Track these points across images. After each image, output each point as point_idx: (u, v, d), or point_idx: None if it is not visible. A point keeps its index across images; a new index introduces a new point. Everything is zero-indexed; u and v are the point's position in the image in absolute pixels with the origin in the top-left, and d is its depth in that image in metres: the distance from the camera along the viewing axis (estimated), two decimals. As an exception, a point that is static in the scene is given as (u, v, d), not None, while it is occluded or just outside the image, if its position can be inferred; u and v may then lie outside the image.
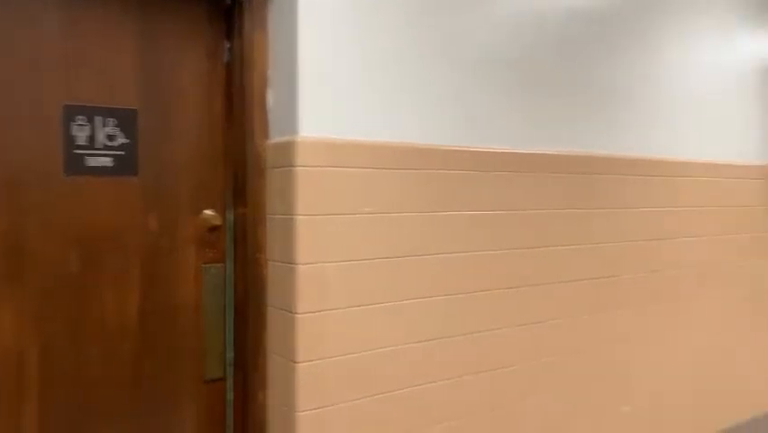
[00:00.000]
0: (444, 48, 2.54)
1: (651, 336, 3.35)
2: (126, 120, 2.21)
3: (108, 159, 2.18)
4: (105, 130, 2.17)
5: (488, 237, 2.66)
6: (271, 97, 2.34)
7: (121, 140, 2.20)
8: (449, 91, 2.56)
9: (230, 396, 2.42)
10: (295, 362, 2.17)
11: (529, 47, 2.81)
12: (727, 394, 3.81)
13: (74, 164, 2.13)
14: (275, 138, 2.31)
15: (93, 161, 2.16)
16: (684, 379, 3.55)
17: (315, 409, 2.20)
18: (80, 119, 2.13)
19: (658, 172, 3.34)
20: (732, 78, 3.82)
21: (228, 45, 2.38)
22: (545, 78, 2.88)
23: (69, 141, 2.12)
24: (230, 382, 2.42)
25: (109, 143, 2.18)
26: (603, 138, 3.12)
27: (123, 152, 2.21)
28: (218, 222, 2.37)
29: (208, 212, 2.35)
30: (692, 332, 3.58)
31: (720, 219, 3.71)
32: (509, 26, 2.74)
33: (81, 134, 2.13)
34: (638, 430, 3.31)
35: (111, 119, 2.18)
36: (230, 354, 2.41)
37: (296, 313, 2.17)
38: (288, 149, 2.20)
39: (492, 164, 2.68)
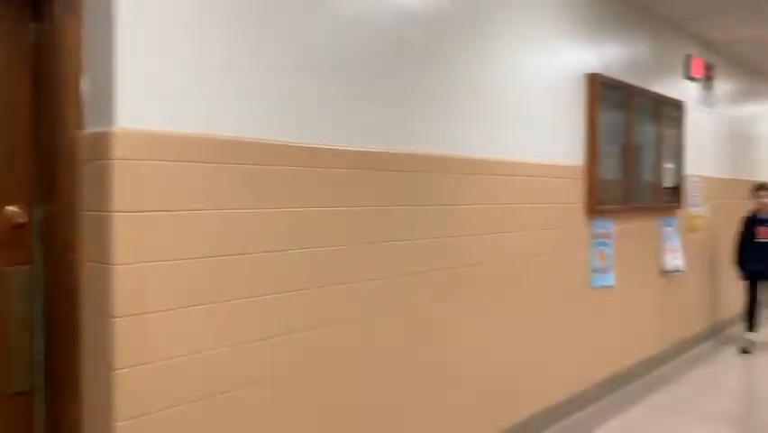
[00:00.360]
0: (280, 43, 2.49)
1: (474, 326, 3.53)
2: None
3: None
4: None
5: (319, 234, 2.65)
6: (86, 85, 2.16)
7: None
8: (284, 87, 2.51)
9: (39, 409, 2.21)
10: (112, 369, 2.03)
11: (366, 47, 2.84)
12: (540, 378, 4.13)
13: None
14: (90, 128, 2.14)
15: None
16: (504, 364, 3.79)
17: (134, 418, 2.07)
18: None
19: (483, 171, 3.52)
20: (552, 86, 4.13)
21: (34, 26, 2.17)
22: (381, 78, 2.93)
23: None
24: (39, 395, 2.21)
25: None
26: (436, 138, 3.24)
27: None
28: (23, 219, 2.15)
29: (11, 208, 2.13)
30: (509, 322, 3.83)
31: (537, 215, 3.99)
32: (346, 27, 2.75)
33: None
34: (466, 415, 3.48)
35: None
36: (39, 365, 2.20)
37: (112, 317, 2.02)
38: (103, 140, 2.04)
39: (326, 161, 2.68)
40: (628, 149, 4.93)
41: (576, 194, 4.37)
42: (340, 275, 2.75)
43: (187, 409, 2.21)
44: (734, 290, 6.61)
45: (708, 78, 6.36)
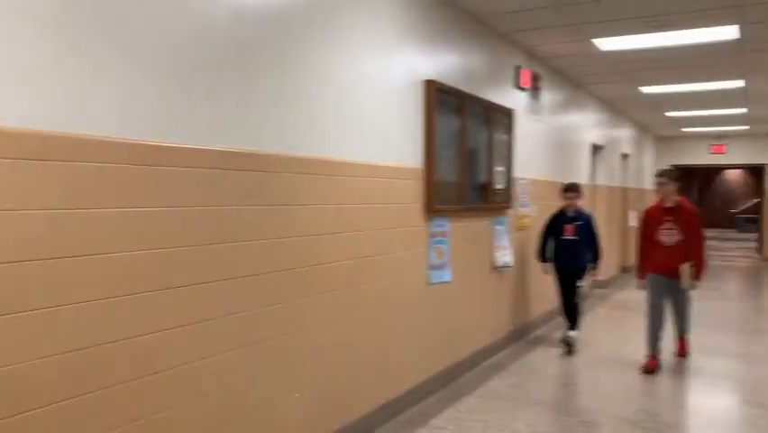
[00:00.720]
0: (99, 35, 2.34)
1: (315, 327, 3.56)
2: None
3: None
4: None
5: (141, 236, 2.53)
6: None
7: None
8: (116, 85, 2.37)
9: None
10: None
11: (201, 45, 2.75)
12: (381, 374, 4.25)
13: None
14: None
15: None
16: (344, 363, 3.85)
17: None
18: None
19: (324, 171, 3.55)
20: (392, 91, 4.25)
21: None
22: (218, 77, 2.85)
23: None
24: None
25: None
26: (273, 137, 3.21)
27: None
28: None
29: None
30: (350, 321, 3.90)
31: (378, 215, 4.10)
32: (181, 24, 2.64)
33: None
34: (309, 413, 3.49)
35: None
36: None
37: None
38: None
39: (159, 159, 2.56)
40: (463, 152, 5.20)
41: (415, 195, 4.54)
42: (170, 279, 2.64)
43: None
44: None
45: (534, 89, 6.88)
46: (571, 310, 6.39)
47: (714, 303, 9.21)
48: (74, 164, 2.26)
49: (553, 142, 7.73)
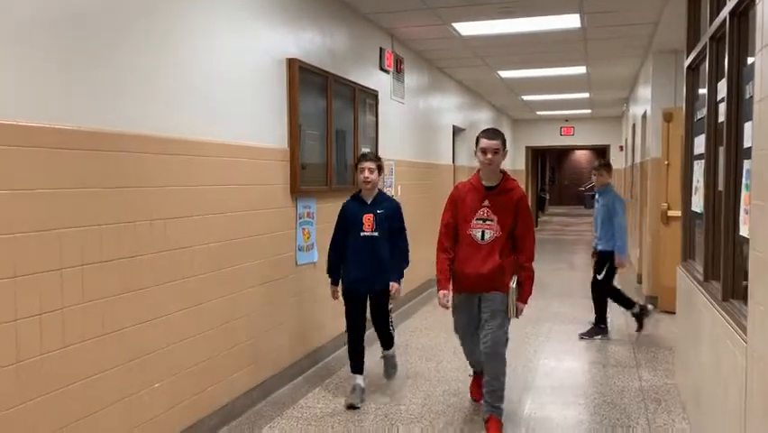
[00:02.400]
0: None
1: (176, 313, 3.44)
2: None
3: None
4: None
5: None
6: None
7: None
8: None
9: None
10: None
11: (49, 16, 2.53)
12: (250, 359, 4.20)
13: None
14: None
15: None
16: (210, 350, 3.76)
17: None
18: None
19: (182, 152, 3.42)
20: (254, 69, 4.16)
21: None
22: (66, 47, 2.64)
23: None
24: None
25: None
26: (126, 117, 3.04)
27: None
28: None
29: None
30: (214, 306, 3.81)
31: (243, 197, 4.02)
32: (9, -18, 2.41)
33: None
34: (168, 403, 3.38)
35: None
36: None
37: None
38: None
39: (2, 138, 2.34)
40: (329, 133, 5.21)
41: (281, 176, 4.49)
42: (46, 262, 2.44)
43: None
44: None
45: (398, 71, 7.01)
46: (359, 351, 4.34)
47: (564, 273, 9.96)
48: None
49: (417, 124, 7.94)
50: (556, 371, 5.12)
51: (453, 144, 10.14)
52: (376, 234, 4.17)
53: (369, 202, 4.23)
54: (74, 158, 2.72)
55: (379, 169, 4.24)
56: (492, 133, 3.75)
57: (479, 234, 3.70)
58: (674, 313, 4.97)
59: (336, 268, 4.30)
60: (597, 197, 6.16)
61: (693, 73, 4.49)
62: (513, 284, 3.69)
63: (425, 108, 8.37)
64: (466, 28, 6.59)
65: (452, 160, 9.94)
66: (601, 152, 18.15)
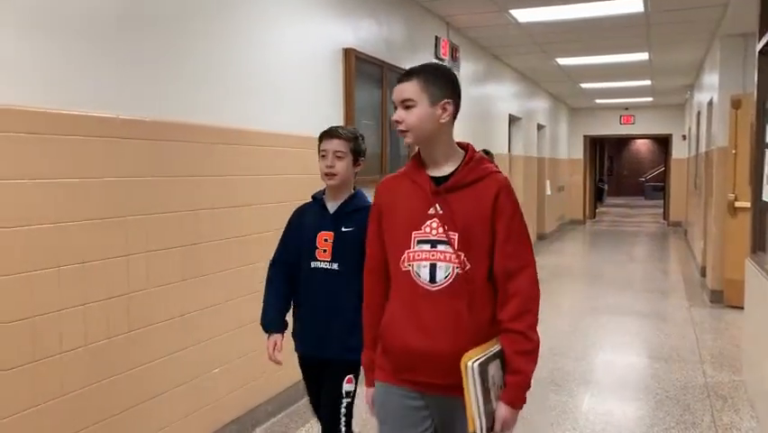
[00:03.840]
0: (22, 7, 2.18)
1: (230, 300, 3.51)
2: None
3: None
4: None
5: (59, 208, 2.41)
6: None
7: None
8: (23, 50, 2.21)
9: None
10: None
11: (118, 12, 2.61)
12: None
13: None
14: None
15: None
16: (259, 334, 3.82)
17: None
18: None
19: (242, 141, 3.47)
20: (311, 60, 4.18)
21: None
22: (129, 42, 2.71)
23: None
24: None
25: None
26: (184, 107, 3.10)
27: None
28: None
29: None
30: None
31: (298, 187, 4.04)
32: (77, -23, 2.49)
33: None
34: (232, 386, 3.45)
35: None
36: None
37: None
38: None
39: (66, 128, 2.43)
40: (384, 123, 5.21)
41: (336, 165, 4.50)
42: (82, 253, 2.53)
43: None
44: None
45: (454, 60, 6.94)
46: None
47: (623, 265, 9.71)
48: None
49: (472, 113, 7.85)
50: (615, 365, 5.00)
51: (510, 134, 10.00)
52: (335, 266, 2.41)
53: (332, 211, 2.48)
54: (140, 148, 2.80)
55: (355, 154, 2.48)
56: (406, 74, 1.85)
57: (424, 272, 1.81)
58: (739, 307, 4.79)
59: (273, 306, 2.61)
60: None
61: (765, 58, 4.28)
62: (477, 360, 1.72)
63: (481, 97, 8.27)
64: (524, 14, 6.47)
65: (507, 149, 9.81)
66: (663, 142, 17.60)
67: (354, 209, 2.45)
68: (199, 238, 3.17)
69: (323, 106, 4.36)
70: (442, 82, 1.82)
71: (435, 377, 1.82)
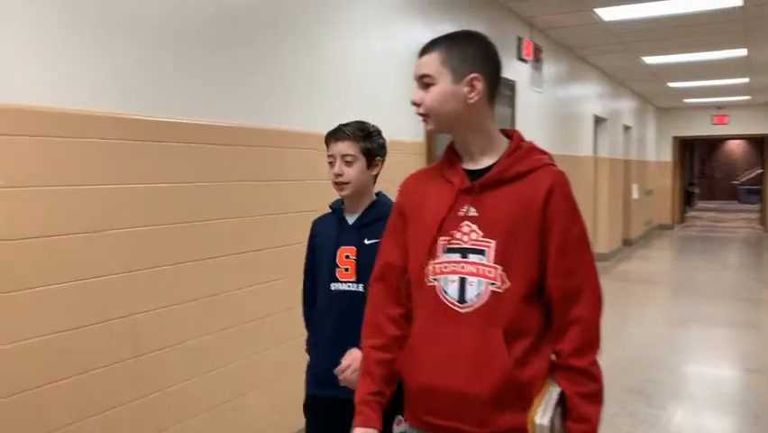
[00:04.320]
0: (95, 11, 2.31)
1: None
2: None
3: None
4: None
5: (143, 212, 2.52)
6: None
7: None
8: (113, 59, 2.34)
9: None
10: None
11: (193, 19, 2.72)
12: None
13: None
14: None
15: None
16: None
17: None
18: None
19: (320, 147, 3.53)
20: (392, 63, 4.20)
21: None
22: (210, 51, 2.82)
23: None
24: None
25: None
26: (272, 113, 3.19)
27: None
28: None
29: None
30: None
31: (382, 189, 4.08)
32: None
33: None
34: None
35: None
36: None
37: None
38: None
39: (157, 134, 2.54)
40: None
41: (418, 166, 4.51)
42: (173, 255, 2.64)
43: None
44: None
45: (537, 60, 6.82)
46: None
47: (717, 273, 9.24)
48: (79, 141, 2.25)
49: (556, 115, 7.68)
50: (709, 377, 4.76)
51: (595, 135, 9.72)
52: (360, 287, 2.02)
53: (351, 222, 2.13)
54: (228, 154, 2.90)
55: (369, 155, 2.13)
56: (428, 45, 1.53)
57: (452, 289, 1.46)
58: None
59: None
60: None
61: None
62: (545, 414, 1.40)
63: (565, 98, 8.08)
64: (609, 13, 6.28)
65: (592, 151, 9.53)
66: (759, 143, 16.66)
67: (377, 218, 2.01)
68: (283, 241, 3.24)
69: (404, 110, 4.36)
70: (469, 52, 1.46)
71: (464, 423, 1.43)
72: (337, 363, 1.98)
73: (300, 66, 3.35)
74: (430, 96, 1.47)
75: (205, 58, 2.78)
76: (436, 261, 1.46)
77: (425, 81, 1.48)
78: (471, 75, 1.44)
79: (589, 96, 9.36)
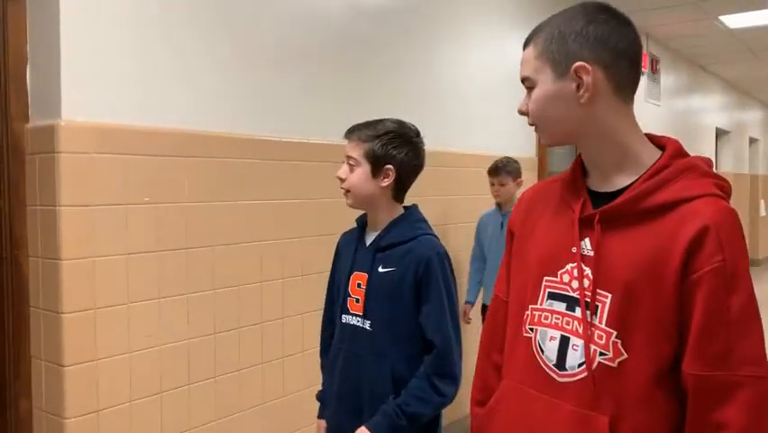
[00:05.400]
0: (221, 36, 2.48)
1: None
2: None
3: None
4: None
5: (273, 227, 2.66)
6: (31, 77, 2.12)
7: None
8: (227, 79, 2.50)
9: (-13, 408, 2.16)
10: (62, 366, 2.00)
11: (315, 41, 2.85)
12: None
13: None
14: (35, 122, 2.10)
15: None
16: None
17: (84, 415, 2.05)
18: None
19: (435, 163, 3.57)
20: (503, 79, 4.19)
21: (-24, 16, 2.10)
22: (332, 71, 2.94)
23: None
24: (-13, 393, 2.16)
25: None
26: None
27: None
28: (-34, 215, 2.09)
29: (-45, 204, 2.07)
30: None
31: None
32: (296, 21, 2.75)
33: None
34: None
35: None
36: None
37: (61, 313, 1.99)
38: (49, 133, 2.00)
39: (277, 153, 2.68)
40: (578, 140, 5.05)
41: (529, 185, 4.46)
42: (291, 269, 2.76)
43: (138, 406, 2.20)
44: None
45: (653, 72, 6.55)
46: None
47: None
48: (215, 160, 2.42)
49: (674, 128, 7.33)
50: None
51: (716, 148, 9.18)
52: (366, 324, 1.73)
53: (368, 242, 1.83)
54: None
55: (376, 162, 1.78)
56: (529, 35, 1.24)
57: (550, 348, 1.11)
58: None
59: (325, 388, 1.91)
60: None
61: None
62: None
63: (684, 110, 7.70)
64: (735, 20, 5.94)
65: (714, 166, 8.99)
66: None
67: (399, 242, 1.72)
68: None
69: (515, 125, 4.34)
70: (572, 34, 1.08)
71: None
72: (334, 404, 1.75)
73: (416, 82, 3.42)
74: (532, 103, 1.15)
75: (323, 79, 2.90)
76: (536, 306, 1.12)
77: (526, 85, 1.18)
78: (576, 64, 1.06)
79: (711, 108, 8.86)
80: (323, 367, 1.91)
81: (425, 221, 1.80)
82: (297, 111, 2.78)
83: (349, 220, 2.97)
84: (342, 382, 1.74)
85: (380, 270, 1.71)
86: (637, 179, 1.07)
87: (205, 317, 2.41)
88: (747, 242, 1.16)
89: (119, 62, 2.14)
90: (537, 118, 1.15)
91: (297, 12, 2.76)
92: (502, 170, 3.57)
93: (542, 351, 1.10)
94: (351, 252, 1.81)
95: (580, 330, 1.04)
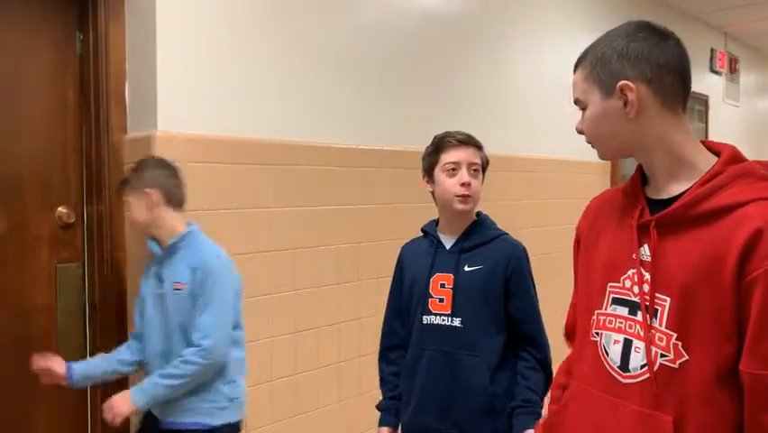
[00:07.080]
0: (303, 48, 2.60)
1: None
2: (-35, 112, 2.05)
3: (-55, 153, 2.03)
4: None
5: (350, 231, 2.75)
6: (129, 91, 2.28)
7: (-41, 133, 2.05)
8: (308, 89, 2.61)
9: (92, 396, 2.33)
10: (157, 359, 2.14)
11: (386, 50, 2.94)
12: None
13: None
14: (133, 133, 2.26)
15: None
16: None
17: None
18: None
19: (508, 168, 3.59)
20: (569, 82, 4.17)
21: (80, 36, 2.29)
22: (403, 78, 3.02)
23: None
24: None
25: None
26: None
27: (-39, 147, 2.05)
28: (72, 219, 2.27)
29: (62, 209, 2.25)
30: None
31: (569, 209, 4.05)
32: (367, 29, 2.85)
33: None
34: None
35: (-53, 111, 2.02)
36: (90, 354, 2.32)
37: (158, 311, 2.13)
38: (146, 143, 2.16)
39: (353, 160, 2.78)
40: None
41: (603, 187, 4.41)
42: (371, 271, 2.84)
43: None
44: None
45: (732, 72, 6.34)
46: None
47: None
48: (299, 167, 2.56)
49: (755, 129, 7.06)
50: None
51: (801, 150, 8.76)
52: (456, 321, 1.78)
53: (449, 246, 1.88)
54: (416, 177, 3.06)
55: (484, 168, 1.97)
56: (578, 59, 1.28)
57: (615, 352, 1.16)
58: None
59: (389, 382, 1.93)
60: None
61: None
62: None
63: (765, 110, 7.40)
64: (821, 15, 5.69)
65: (799, 168, 8.58)
66: None
67: (481, 243, 1.83)
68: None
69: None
70: (614, 54, 1.14)
71: None
72: (427, 403, 1.75)
73: (490, 87, 3.46)
74: (585, 122, 1.21)
75: (397, 88, 2.98)
76: (601, 311, 1.19)
77: (579, 106, 1.24)
78: (620, 83, 1.12)
79: (796, 108, 8.47)
80: (387, 375, 1.92)
81: (494, 224, 1.92)
82: (371, 120, 2.87)
83: (416, 225, 3.03)
84: (429, 381, 1.76)
85: (467, 269, 1.79)
86: (692, 186, 1.10)
87: (285, 320, 2.53)
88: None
89: (209, 79, 2.29)
90: (591, 136, 1.22)
91: (377, 23, 2.87)
92: None
93: (607, 354, 1.16)
94: (427, 257, 1.86)
95: (642, 333, 1.10)
